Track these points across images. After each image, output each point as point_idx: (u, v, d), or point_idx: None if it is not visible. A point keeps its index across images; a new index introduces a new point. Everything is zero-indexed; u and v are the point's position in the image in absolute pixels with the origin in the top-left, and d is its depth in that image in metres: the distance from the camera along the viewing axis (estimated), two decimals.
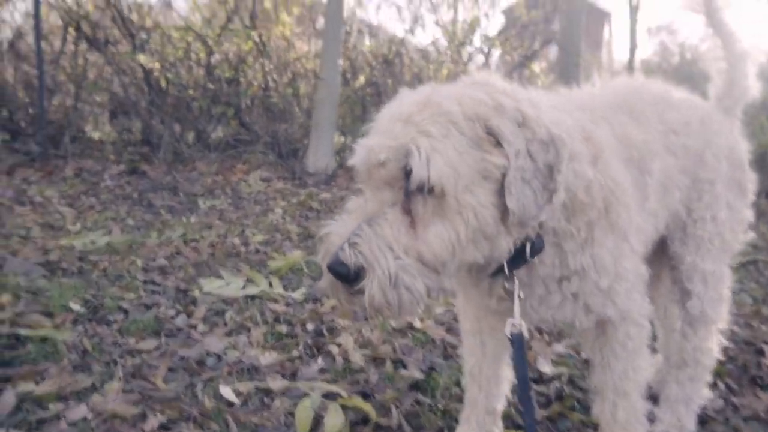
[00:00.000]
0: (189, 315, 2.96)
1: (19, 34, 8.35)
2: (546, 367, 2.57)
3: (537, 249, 1.40)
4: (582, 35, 11.16)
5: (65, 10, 8.16)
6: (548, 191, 1.26)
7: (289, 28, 8.79)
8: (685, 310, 2.07)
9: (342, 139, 8.78)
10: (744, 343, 2.95)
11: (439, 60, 9.37)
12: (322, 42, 8.08)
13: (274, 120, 8.81)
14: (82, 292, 3.11)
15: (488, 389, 1.89)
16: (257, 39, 8.41)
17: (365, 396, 2.24)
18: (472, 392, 1.90)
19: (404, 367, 2.51)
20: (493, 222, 1.26)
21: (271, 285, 3.42)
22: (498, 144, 1.25)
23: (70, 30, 8.33)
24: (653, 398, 2.11)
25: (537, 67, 10.10)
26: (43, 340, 2.50)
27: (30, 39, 8.19)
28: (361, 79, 8.98)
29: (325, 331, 2.85)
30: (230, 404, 2.15)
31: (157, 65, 8.18)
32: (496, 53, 9.82)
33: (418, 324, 2.94)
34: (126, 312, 2.95)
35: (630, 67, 13.38)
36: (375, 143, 1.28)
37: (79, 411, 2.01)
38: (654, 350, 2.45)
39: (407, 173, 1.23)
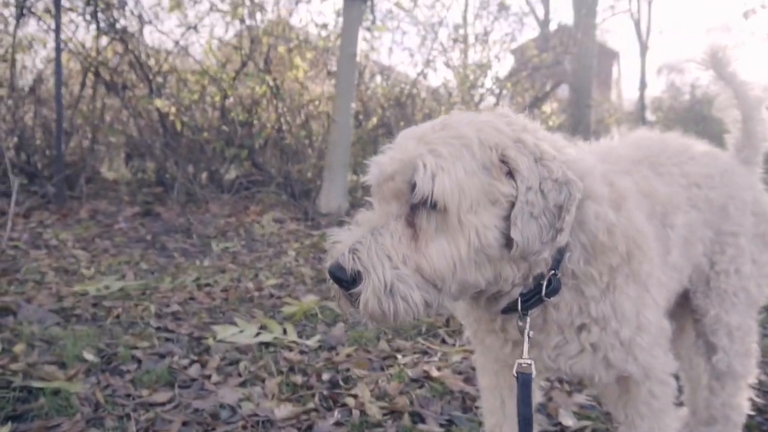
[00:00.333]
0: (203, 365, 2.93)
1: (39, 79, 8.55)
2: (569, 420, 2.50)
3: (554, 289, 1.38)
4: (593, 77, 11.29)
5: (85, 56, 8.37)
6: (554, 230, 1.27)
7: (303, 71, 8.94)
8: (711, 364, 2.02)
9: (355, 177, 8.83)
10: None
11: (451, 101, 9.47)
12: (335, 85, 8.21)
13: (287, 161, 8.89)
14: (96, 340, 3.09)
15: None
16: (271, 83, 8.55)
17: None
18: None
19: (422, 420, 2.45)
20: (496, 245, 1.27)
21: (285, 332, 3.39)
22: (509, 174, 1.27)
23: (89, 75, 8.54)
24: None
25: (548, 107, 10.18)
26: (56, 392, 2.47)
27: (50, 84, 8.39)
28: (374, 120, 9.07)
29: (341, 381, 2.80)
30: None
31: (173, 109, 8.33)
32: (507, 94, 9.92)
33: (435, 373, 2.88)
34: (139, 361, 2.93)
35: (641, 105, 13.47)
36: (386, 158, 1.33)
37: None
38: (680, 403, 2.38)
39: (412, 187, 1.26)
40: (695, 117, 9.90)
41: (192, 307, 3.86)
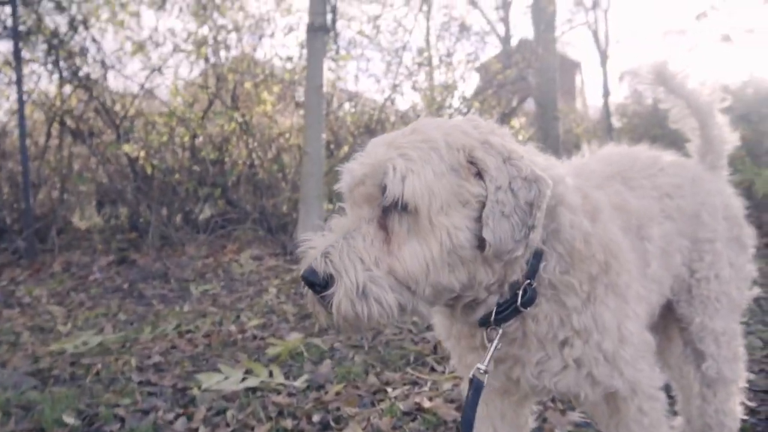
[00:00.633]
0: (189, 417, 2.84)
1: (3, 131, 8.41)
2: None
3: (529, 299, 1.38)
4: (557, 89, 11.49)
5: (49, 106, 8.27)
6: (527, 227, 1.27)
7: (271, 105, 8.93)
8: (701, 372, 2.02)
9: (331, 206, 8.79)
10: (764, 392, 2.86)
11: None
12: (304, 117, 8.21)
13: (261, 196, 8.83)
14: (76, 401, 2.99)
15: None
16: (240, 119, 8.52)
17: None
18: None
19: None
20: (468, 246, 1.27)
21: (271, 374, 3.32)
22: (478, 175, 1.29)
23: (55, 125, 8.42)
24: None
25: (516, 122, 10.30)
26: None
27: (14, 136, 8.25)
28: (345, 148, 9.08)
29: (331, 422, 2.73)
30: None
31: (142, 153, 8.24)
32: (475, 113, 10.03)
33: (427, 404, 2.83)
34: (122, 420, 2.83)
35: (606, 113, 13.73)
36: (356, 164, 1.35)
37: None
38: (674, 412, 2.37)
39: (383, 190, 1.27)
40: (660, 121, 10.08)
41: (174, 357, 3.77)
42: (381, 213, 1.30)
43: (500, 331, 1.41)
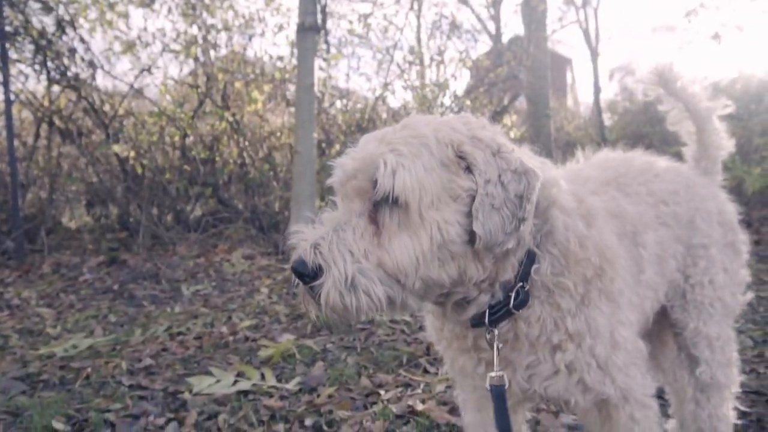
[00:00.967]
0: (180, 422, 2.81)
1: None
2: None
3: (522, 301, 1.38)
4: (549, 87, 11.49)
5: (37, 106, 8.17)
6: (517, 219, 1.28)
7: (262, 104, 8.87)
8: (695, 377, 2.02)
9: (323, 204, 8.76)
10: (754, 393, 2.87)
11: None
12: (295, 115, 8.16)
13: (252, 195, 8.78)
14: (65, 406, 2.95)
15: None
16: (230, 118, 8.47)
17: None
18: None
19: None
20: (459, 241, 1.28)
21: (263, 377, 3.29)
22: (468, 169, 1.30)
23: (43, 125, 8.33)
24: None
25: (508, 120, 10.30)
26: None
27: (2, 137, 8.15)
28: (337, 147, 9.04)
29: (324, 426, 2.72)
30: None
31: (132, 152, 8.17)
32: (467, 111, 10.01)
33: (419, 407, 2.82)
34: (113, 425, 2.80)
35: (597, 110, 13.76)
36: (348, 158, 1.37)
37: None
38: (667, 416, 2.37)
39: (374, 184, 1.29)
40: (650, 119, 10.12)
41: (165, 359, 3.73)
42: (372, 207, 1.31)
43: (496, 332, 1.41)
